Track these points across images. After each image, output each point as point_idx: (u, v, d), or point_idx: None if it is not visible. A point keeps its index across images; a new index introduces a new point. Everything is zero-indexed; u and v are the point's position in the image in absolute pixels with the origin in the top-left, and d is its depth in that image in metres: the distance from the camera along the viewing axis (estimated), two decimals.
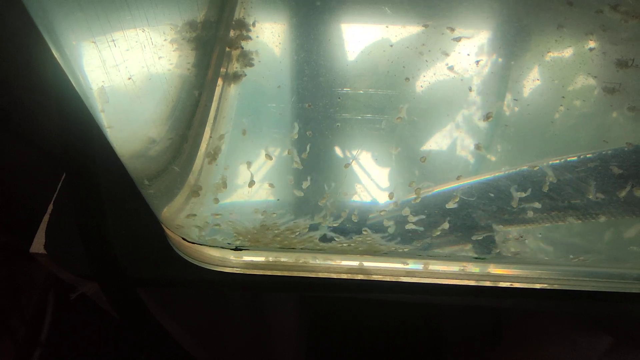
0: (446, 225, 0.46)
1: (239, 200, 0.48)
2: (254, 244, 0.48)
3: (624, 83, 0.53)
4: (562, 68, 0.55)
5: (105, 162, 0.42)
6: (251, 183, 0.48)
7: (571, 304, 0.64)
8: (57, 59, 0.31)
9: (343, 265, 0.49)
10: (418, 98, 0.55)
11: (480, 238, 0.47)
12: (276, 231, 0.47)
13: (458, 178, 0.48)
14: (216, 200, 0.48)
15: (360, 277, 0.50)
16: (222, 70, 0.57)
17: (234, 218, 0.47)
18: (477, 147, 0.50)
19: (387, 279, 0.49)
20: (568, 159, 0.47)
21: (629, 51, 0.55)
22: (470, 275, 0.49)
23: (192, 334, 0.71)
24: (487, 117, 0.51)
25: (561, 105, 0.53)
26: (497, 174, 0.48)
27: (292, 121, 0.53)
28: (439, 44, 0.57)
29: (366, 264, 0.49)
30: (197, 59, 0.50)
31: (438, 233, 0.46)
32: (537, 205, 0.46)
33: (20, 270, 0.99)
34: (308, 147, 0.50)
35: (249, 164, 0.50)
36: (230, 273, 0.50)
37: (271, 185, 0.49)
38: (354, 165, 0.50)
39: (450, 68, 0.56)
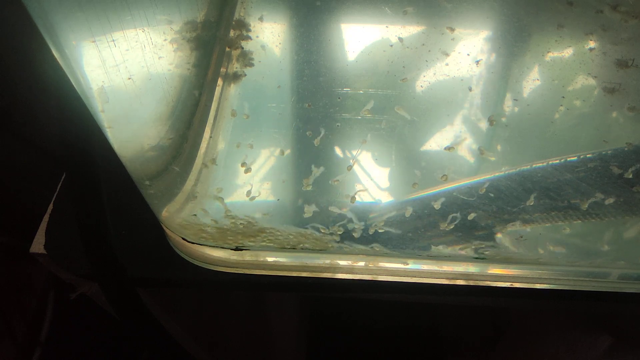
0: (446, 225, 0.46)
1: (238, 201, 0.48)
2: (253, 244, 0.48)
3: (624, 83, 0.53)
4: (562, 68, 0.55)
5: (105, 162, 0.42)
6: (248, 193, 0.48)
7: (571, 304, 0.64)
8: (57, 59, 0.31)
9: (343, 265, 0.49)
10: (418, 98, 0.55)
11: (480, 238, 0.47)
12: (274, 231, 0.47)
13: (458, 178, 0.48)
14: (215, 200, 0.48)
15: (360, 277, 0.50)
16: (222, 70, 0.57)
17: (232, 218, 0.47)
18: (480, 151, 0.50)
19: (387, 279, 0.49)
20: (568, 159, 0.47)
21: (629, 51, 0.55)
22: (470, 275, 0.49)
23: (192, 334, 0.71)
24: (490, 121, 0.51)
25: (561, 105, 0.53)
26: (497, 174, 0.48)
27: (292, 121, 0.53)
28: (439, 44, 0.57)
29: (366, 264, 0.49)
30: (197, 59, 0.50)
31: (437, 232, 0.46)
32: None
33: (20, 270, 0.99)
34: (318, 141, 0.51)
35: (249, 163, 0.50)
36: (230, 273, 0.50)
37: (271, 184, 0.49)
38: (354, 166, 0.50)
39: (451, 68, 0.56)
